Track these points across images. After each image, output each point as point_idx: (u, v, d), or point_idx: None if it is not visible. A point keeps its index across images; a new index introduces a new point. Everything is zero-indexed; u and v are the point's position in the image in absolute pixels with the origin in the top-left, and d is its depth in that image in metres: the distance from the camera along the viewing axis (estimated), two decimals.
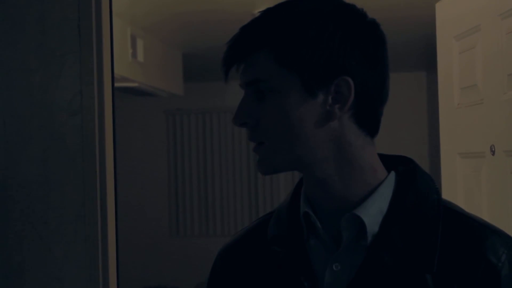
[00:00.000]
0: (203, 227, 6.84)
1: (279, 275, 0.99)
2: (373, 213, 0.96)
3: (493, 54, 2.26)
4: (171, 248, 6.75)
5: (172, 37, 4.86)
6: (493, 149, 2.26)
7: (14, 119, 1.86)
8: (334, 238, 0.97)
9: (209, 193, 6.78)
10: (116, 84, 1.98)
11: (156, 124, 6.83)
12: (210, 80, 6.65)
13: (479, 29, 2.36)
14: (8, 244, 1.85)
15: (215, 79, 6.59)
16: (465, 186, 2.48)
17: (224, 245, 1.11)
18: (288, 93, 0.94)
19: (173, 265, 6.63)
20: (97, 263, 1.81)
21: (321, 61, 0.93)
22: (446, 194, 2.50)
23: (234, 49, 0.96)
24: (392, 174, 1.00)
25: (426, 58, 5.73)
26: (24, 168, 1.85)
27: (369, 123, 0.98)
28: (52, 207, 1.84)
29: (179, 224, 6.83)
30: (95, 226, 1.81)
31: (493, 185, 2.30)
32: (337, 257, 0.96)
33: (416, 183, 0.98)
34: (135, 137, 6.70)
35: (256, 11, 3.93)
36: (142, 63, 4.42)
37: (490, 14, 2.27)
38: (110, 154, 1.85)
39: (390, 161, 1.02)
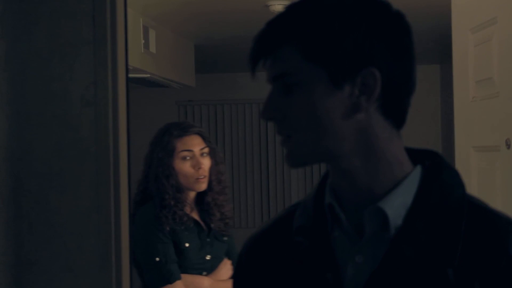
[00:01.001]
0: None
1: (303, 265, 1.00)
2: (396, 206, 0.96)
3: (509, 47, 2.23)
4: None
5: (184, 27, 4.85)
6: (508, 143, 2.24)
7: (28, 110, 1.86)
8: (358, 230, 0.98)
9: None
10: (128, 75, 1.98)
11: (167, 115, 6.83)
12: (222, 71, 6.64)
13: (495, 22, 2.33)
14: (21, 234, 1.86)
15: (227, 70, 6.58)
16: (479, 179, 2.46)
17: (251, 235, 1.13)
18: (314, 86, 0.95)
19: None
20: (110, 254, 1.81)
21: (346, 53, 0.93)
22: None
23: (260, 43, 0.97)
24: (418, 167, 1.00)
25: (440, 51, 5.69)
26: (38, 159, 1.85)
27: (396, 114, 0.98)
28: (65, 197, 1.84)
29: None
30: (108, 216, 1.81)
31: (508, 178, 2.28)
32: (360, 249, 0.97)
33: (441, 177, 0.98)
34: (147, 128, 6.71)
35: (269, 1, 3.92)
36: (154, 54, 4.41)
37: (506, 6, 2.25)
38: (124, 144, 1.85)
39: (416, 155, 1.02)
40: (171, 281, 2.48)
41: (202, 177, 2.55)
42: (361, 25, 0.94)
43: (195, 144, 2.58)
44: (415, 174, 0.99)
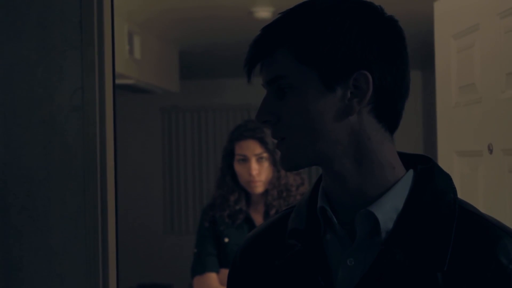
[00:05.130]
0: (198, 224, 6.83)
1: (295, 268, 1.00)
2: (387, 210, 0.97)
3: (491, 53, 2.27)
4: (165, 245, 6.74)
5: (168, 34, 4.85)
6: (491, 148, 2.27)
7: (15, 114, 1.86)
8: (350, 234, 0.99)
9: (204, 190, 6.78)
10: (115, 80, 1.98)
11: (151, 121, 6.83)
12: (206, 77, 6.64)
13: (477, 28, 2.37)
14: (8, 238, 1.85)
15: (212, 77, 6.59)
16: (462, 184, 2.49)
17: (246, 237, 1.14)
18: (307, 89, 0.96)
19: (167, 262, 6.63)
20: (97, 259, 1.81)
21: (338, 56, 0.95)
22: None
23: (256, 48, 0.99)
24: (410, 172, 1.01)
25: (421, 58, 5.74)
26: (24, 163, 1.85)
27: (389, 118, 1.00)
28: (52, 202, 1.84)
29: (173, 221, 6.83)
30: (95, 222, 1.81)
31: (491, 184, 2.31)
32: (351, 253, 0.98)
33: (433, 182, 0.99)
34: (131, 134, 6.70)
35: (253, 8, 3.94)
36: (138, 60, 4.41)
37: (488, 13, 2.28)
38: (110, 150, 1.85)
39: (409, 160, 1.03)
40: (201, 272, 2.62)
41: (254, 181, 2.57)
42: (353, 28, 0.95)
43: (250, 149, 2.58)
44: (407, 179, 0.99)
